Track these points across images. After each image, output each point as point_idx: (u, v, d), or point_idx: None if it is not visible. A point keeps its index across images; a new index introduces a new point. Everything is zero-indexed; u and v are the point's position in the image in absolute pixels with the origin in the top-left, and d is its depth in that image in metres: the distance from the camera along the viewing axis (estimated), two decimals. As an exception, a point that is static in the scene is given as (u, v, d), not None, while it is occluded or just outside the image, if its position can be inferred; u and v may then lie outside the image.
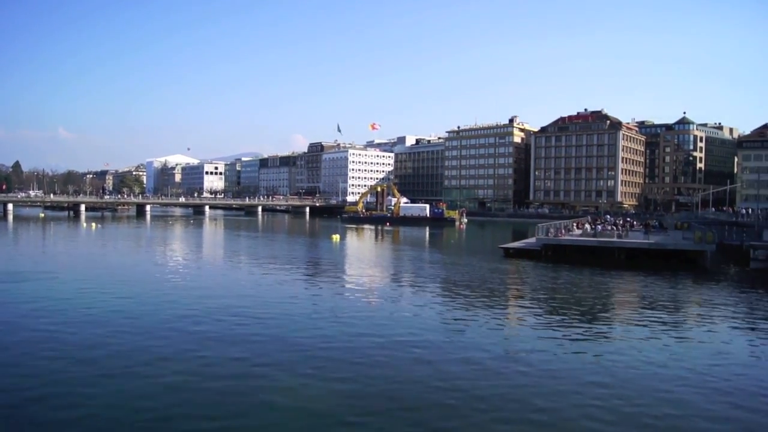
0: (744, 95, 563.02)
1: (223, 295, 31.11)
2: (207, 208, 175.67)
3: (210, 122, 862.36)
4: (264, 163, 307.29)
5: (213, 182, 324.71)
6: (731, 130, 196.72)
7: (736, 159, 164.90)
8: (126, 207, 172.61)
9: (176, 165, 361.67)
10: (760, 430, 13.74)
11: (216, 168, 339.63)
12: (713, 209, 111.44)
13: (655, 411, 14.61)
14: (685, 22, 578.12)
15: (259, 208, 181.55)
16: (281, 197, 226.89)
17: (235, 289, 33.30)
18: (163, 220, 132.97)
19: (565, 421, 14.10)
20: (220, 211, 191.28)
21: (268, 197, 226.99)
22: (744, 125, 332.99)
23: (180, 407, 14.45)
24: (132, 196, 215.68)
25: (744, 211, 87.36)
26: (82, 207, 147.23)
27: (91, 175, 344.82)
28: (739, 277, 43.77)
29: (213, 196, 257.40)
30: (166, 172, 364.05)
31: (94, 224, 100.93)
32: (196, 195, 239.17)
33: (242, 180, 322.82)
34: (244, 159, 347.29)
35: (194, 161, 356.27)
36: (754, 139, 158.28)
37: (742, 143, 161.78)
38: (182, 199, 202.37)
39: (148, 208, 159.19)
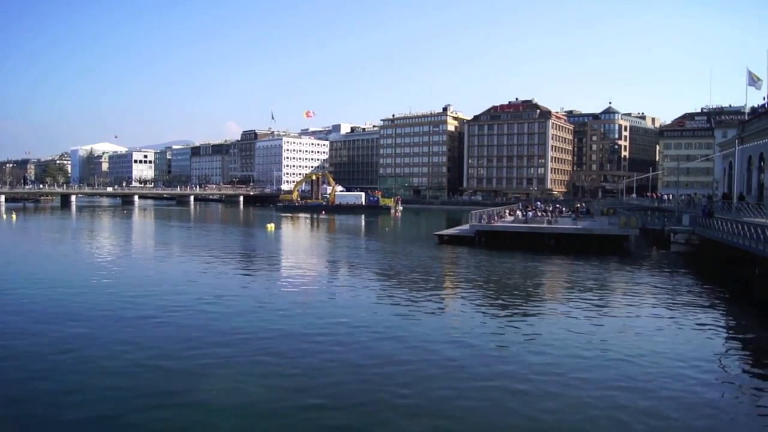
0: (665, 87, 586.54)
1: (154, 287, 30.28)
2: (136, 197, 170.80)
3: (138, 109, 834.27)
4: (196, 151, 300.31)
5: (142, 171, 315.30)
6: (653, 119, 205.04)
7: (657, 147, 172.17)
8: (50, 197, 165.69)
9: (103, 153, 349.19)
10: (679, 405, 14.54)
11: (145, 156, 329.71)
12: (635, 195, 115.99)
13: (585, 390, 15.28)
14: (610, 16, 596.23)
15: (191, 198, 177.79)
16: (214, 186, 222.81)
17: (166, 282, 32.38)
18: (89, 210, 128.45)
19: (498, 403, 14.52)
20: (150, 201, 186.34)
21: (200, 186, 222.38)
22: (665, 115, 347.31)
23: (109, 406, 14.05)
24: (56, 186, 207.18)
25: (665, 197, 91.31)
26: (2, 198, 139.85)
27: (11, 164, 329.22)
28: (660, 260, 45.96)
29: (142, 185, 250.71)
30: (92, 160, 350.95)
31: (14, 215, 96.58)
32: (124, 184, 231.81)
33: (173, 169, 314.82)
34: (174, 147, 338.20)
35: (122, 149, 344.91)
36: (674, 129, 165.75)
37: (663, 132, 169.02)
38: (110, 189, 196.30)
39: (73, 198, 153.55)
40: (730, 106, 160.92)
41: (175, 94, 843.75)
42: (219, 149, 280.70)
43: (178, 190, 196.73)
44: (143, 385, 15.17)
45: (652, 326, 22.59)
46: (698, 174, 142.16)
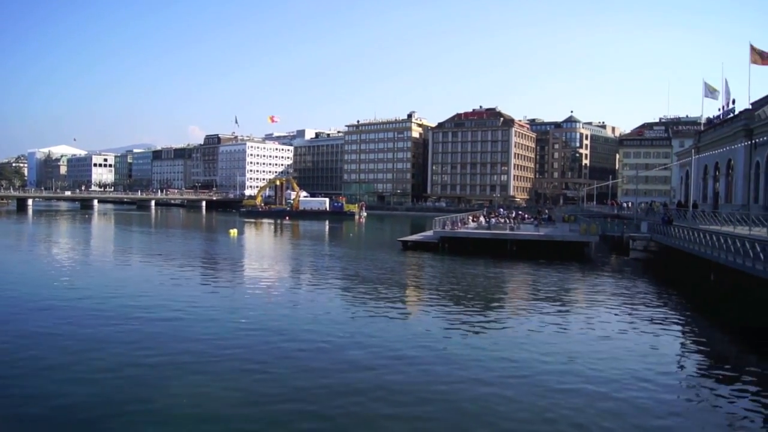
0: (625, 97, 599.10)
1: (114, 293, 29.63)
2: (96, 202, 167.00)
3: (98, 112, 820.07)
4: (157, 155, 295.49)
5: (102, 175, 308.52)
6: (613, 128, 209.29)
7: (617, 156, 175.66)
8: (5, 201, 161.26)
9: (61, 156, 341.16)
10: (637, 407, 14.77)
11: (105, 160, 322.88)
12: (595, 203, 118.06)
13: (545, 394, 15.43)
14: (573, 28, 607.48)
15: (153, 202, 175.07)
16: (176, 191, 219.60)
17: (126, 288, 31.66)
18: (47, 215, 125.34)
19: (460, 407, 14.59)
20: (110, 206, 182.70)
21: (162, 191, 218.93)
22: (625, 125, 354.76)
23: (67, 413, 13.73)
24: (12, 189, 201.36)
25: (625, 204, 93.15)
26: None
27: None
28: (619, 266, 46.75)
29: (102, 189, 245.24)
30: (49, 164, 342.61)
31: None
32: (83, 188, 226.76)
33: (134, 173, 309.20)
34: (136, 151, 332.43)
35: (81, 153, 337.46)
36: (633, 138, 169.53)
37: (623, 141, 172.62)
38: (68, 193, 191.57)
39: (30, 202, 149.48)
40: (687, 116, 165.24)
41: (136, 97, 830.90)
42: (181, 153, 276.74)
43: (139, 195, 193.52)
44: (104, 392, 14.84)
45: (611, 331, 22.96)
46: (656, 182, 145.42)
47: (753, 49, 53.13)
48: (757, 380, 17.51)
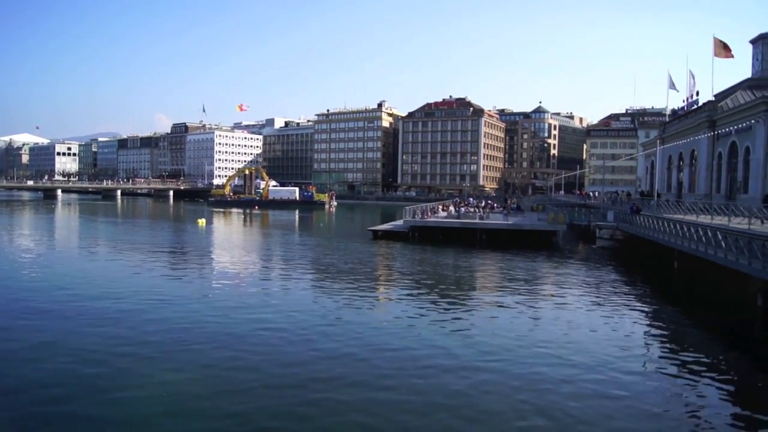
0: (592, 88, 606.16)
1: (78, 285, 29.23)
2: (59, 191, 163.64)
3: (62, 99, 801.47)
4: (123, 143, 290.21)
5: (66, 164, 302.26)
6: (581, 119, 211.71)
7: (585, 146, 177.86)
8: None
9: (23, 145, 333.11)
10: (601, 394, 15.11)
11: (69, 149, 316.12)
12: (563, 192, 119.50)
13: (513, 381, 15.70)
14: (543, 19, 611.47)
15: (119, 192, 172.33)
16: (142, 180, 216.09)
17: (90, 279, 31.18)
18: (8, 204, 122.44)
19: (428, 398, 14.74)
20: (74, 195, 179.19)
21: (128, 180, 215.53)
22: (592, 115, 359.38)
23: (38, 404, 13.57)
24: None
25: (592, 194, 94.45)
26: None
27: None
28: (586, 254, 47.55)
29: (66, 179, 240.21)
30: (11, 152, 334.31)
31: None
32: (46, 178, 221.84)
33: (99, 162, 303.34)
34: (101, 139, 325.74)
35: (44, 141, 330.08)
36: (600, 128, 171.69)
37: (590, 132, 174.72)
38: (31, 182, 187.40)
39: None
40: (652, 107, 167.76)
41: (101, 85, 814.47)
42: (148, 142, 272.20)
43: (104, 184, 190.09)
44: (66, 384, 14.68)
45: (578, 318, 23.42)
46: (623, 172, 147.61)
47: (716, 41, 54.16)
48: (716, 364, 18.07)
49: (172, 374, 15.58)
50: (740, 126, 46.44)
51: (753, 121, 44.47)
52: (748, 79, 53.14)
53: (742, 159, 46.83)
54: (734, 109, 48.29)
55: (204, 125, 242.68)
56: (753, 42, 53.31)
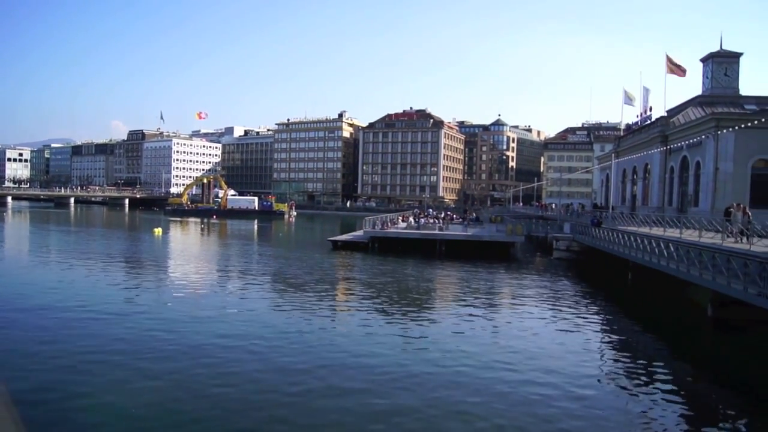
0: (550, 102, 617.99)
1: (27, 294, 28.32)
2: (9, 198, 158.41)
3: (13, 103, 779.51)
4: (77, 150, 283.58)
5: (17, 170, 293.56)
6: (539, 132, 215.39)
7: (542, 159, 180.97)
8: None
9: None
10: (556, 402, 15.27)
11: (20, 155, 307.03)
12: (521, 204, 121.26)
13: (464, 393, 15.74)
14: (502, 33, 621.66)
15: (72, 200, 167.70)
16: (97, 188, 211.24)
17: (39, 289, 30.18)
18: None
19: (378, 408, 14.70)
20: (24, 203, 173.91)
21: (81, 187, 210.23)
22: (549, 129, 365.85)
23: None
24: None
25: (551, 206, 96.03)
26: None
27: None
28: (543, 265, 48.20)
29: (17, 185, 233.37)
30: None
31: None
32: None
33: (52, 169, 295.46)
34: (54, 145, 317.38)
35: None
36: (557, 142, 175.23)
37: (548, 145, 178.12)
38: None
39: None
40: (608, 122, 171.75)
41: (54, 90, 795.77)
42: (103, 149, 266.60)
43: (57, 192, 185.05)
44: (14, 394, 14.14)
45: (534, 328, 23.65)
46: (579, 185, 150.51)
47: (669, 59, 55.86)
48: (666, 371, 18.46)
49: (117, 388, 15.12)
50: (691, 141, 47.89)
51: (703, 137, 45.90)
52: (698, 96, 54.84)
53: (692, 173, 48.27)
54: (686, 124, 49.78)
55: (161, 132, 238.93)
56: (703, 60, 55.09)
